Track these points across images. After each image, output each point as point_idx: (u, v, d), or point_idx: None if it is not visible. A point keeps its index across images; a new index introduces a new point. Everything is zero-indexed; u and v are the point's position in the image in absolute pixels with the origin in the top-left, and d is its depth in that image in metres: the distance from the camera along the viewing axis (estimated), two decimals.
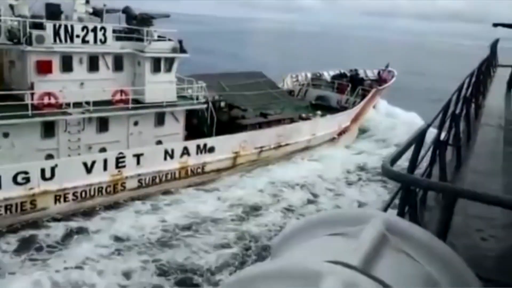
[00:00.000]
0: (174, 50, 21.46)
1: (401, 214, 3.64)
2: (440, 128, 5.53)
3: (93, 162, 18.71)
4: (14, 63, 19.63)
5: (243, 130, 24.76)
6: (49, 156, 18.77)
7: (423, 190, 4.96)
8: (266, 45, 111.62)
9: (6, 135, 17.51)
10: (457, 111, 6.70)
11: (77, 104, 18.88)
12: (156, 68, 21.18)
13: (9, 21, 18.82)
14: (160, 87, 21.20)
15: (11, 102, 17.36)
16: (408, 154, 4.54)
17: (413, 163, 3.99)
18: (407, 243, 1.16)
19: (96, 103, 19.11)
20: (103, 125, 20.04)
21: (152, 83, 21.04)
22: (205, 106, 22.97)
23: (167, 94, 21.60)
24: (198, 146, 21.96)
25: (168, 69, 21.63)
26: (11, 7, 19.26)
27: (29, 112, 17.37)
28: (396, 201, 3.70)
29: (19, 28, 18.28)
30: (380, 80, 37.01)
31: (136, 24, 21.72)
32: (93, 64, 19.99)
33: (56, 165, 17.76)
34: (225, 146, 23.00)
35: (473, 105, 9.08)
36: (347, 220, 1.23)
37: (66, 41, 18.99)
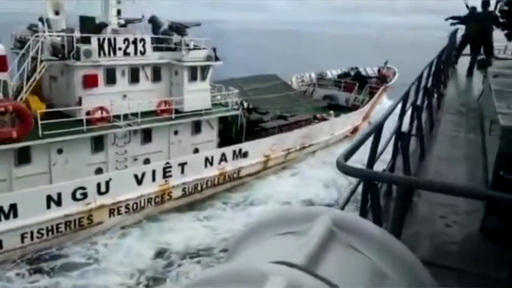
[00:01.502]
0: (208, 58, 21.72)
1: (363, 209, 3.66)
2: (400, 119, 5.47)
3: (143, 174, 18.84)
4: (56, 78, 19.45)
5: (266, 133, 25.29)
6: (99, 170, 18.81)
7: (387, 184, 5.01)
8: (246, 46, 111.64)
9: (60, 151, 17.46)
10: (418, 102, 6.68)
11: (124, 117, 18.93)
12: (193, 77, 21.40)
13: (49, 36, 18.62)
14: (197, 96, 21.44)
15: (64, 119, 17.29)
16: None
17: (372, 157, 3.88)
18: (356, 238, 1.14)
19: (140, 115, 19.22)
20: (147, 136, 20.17)
21: (190, 92, 21.26)
22: (238, 112, 23.34)
23: (204, 102, 21.87)
24: (234, 152, 22.33)
25: (204, 77, 21.88)
26: (48, 21, 19.12)
27: (84, 127, 17.35)
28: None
29: (63, 43, 18.18)
30: (381, 77, 38.10)
31: (169, 33, 21.89)
32: (134, 75, 20.05)
33: (110, 179, 17.81)
34: (257, 150, 23.46)
35: (435, 95, 9.24)
36: (296, 219, 1.21)
37: (109, 54, 19.00)
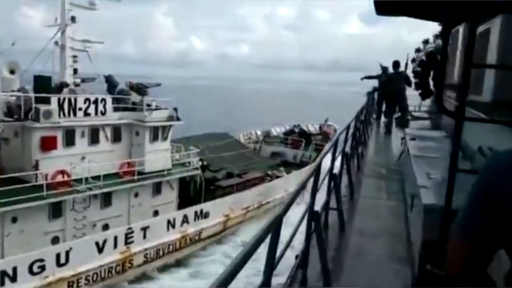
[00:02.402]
0: (170, 118, 21.40)
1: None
2: (313, 197, 4.55)
3: (105, 241, 17.59)
4: (8, 140, 17.99)
5: (223, 192, 24.98)
6: (55, 239, 17.32)
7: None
8: (176, 103, 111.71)
9: (14, 220, 15.90)
10: (335, 170, 6.22)
11: (84, 180, 17.81)
12: (154, 137, 20.88)
13: (2, 96, 17.42)
14: (158, 156, 20.85)
15: (19, 185, 15.88)
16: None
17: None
18: None
19: (100, 178, 18.20)
20: (107, 200, 19.05)
21: (151, 153, 20.63)
22: (199, 172, 22.92)
23: (165, 162, 21.28)
24: (195, 213, 21.68)
25: (165, 137, 21.42)
26: (2, 81, 17.98)
27: (44, 193, 16.03)
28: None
29: (19, 103, 17.05)
30: (323, 134, 39.60)
31: (126, 93, 21.37)
32: (94, 136, 19.15)
33: (70, 249, 16.41)
34: (217, 210, 22.98)
35: (355, 157, 8.82)
36: None
37: (69, 114, 18.08)
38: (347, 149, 7.54)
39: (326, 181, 5.68)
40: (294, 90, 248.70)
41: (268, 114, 74.91)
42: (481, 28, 5.03)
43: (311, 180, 4.47)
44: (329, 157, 5.59)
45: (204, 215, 22.13)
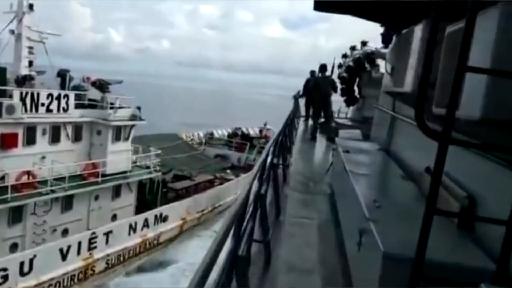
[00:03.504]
0: (133, 118, 20.56)
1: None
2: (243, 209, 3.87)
3: (69, 247, 16.49)
4: None
5: (176, 195, 24.53)
6: (14, 246, 15.91)
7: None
8: None
9: None
10: (263, 190, 5.09)
11: (45, 182, 16.55)
12: (117, 137, 19.92)
13: None
14: (120, 157, 19.94)
15: None
16: None
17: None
18: None
19: (63, 179, 17.04)
20: (68, 203, 17.84)
21: (113, 153, 19.67)
22: (160, 174, 22.27)
23: (126, 163, 20.41)
24: (155, 217, 21.05)
25: (127, 138, 20.53)
26: None
27: (8, 196, 14.66)
28: None
29: None
30: (265, 137, 40.27)
31: (82, 89, 20.16)
32: (55, 135, 17.84)
33: (35, 256, 15.15)
34: (175, 213, 22.51)
35: (280, 167, 8.05)
36: None
37: (31, 110, 16.68)
38: (274, 156, 6.71)
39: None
40: (216, 89, 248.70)
41: (189, 114, 74.02)
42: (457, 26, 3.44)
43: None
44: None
45: (163, 218, 21.55)
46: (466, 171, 3.38)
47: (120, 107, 20.02)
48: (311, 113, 14.77)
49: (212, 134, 38.75)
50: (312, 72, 15.18)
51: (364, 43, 18.14)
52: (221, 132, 40.05)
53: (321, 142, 12.83)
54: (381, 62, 16.64)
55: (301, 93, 14.84)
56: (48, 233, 17.09)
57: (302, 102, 16.00)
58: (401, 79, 5.94)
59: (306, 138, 13.32)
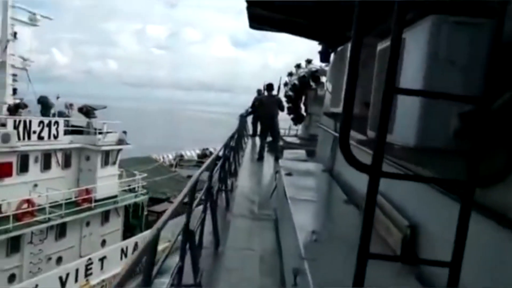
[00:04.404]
0: (120, 142, 20.68)
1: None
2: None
3: (67, 275, 16.35)
4: None
5: (157, 217, 24.59)
6: (12, 277, 15.57)
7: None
8: None
9: None
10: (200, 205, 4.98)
11: (42, 210, 16.39)
12: (105, 162, 19.96)
13: None
14: (108, 182, 19.96)
15: None
16: None
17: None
18: None
19: (58, 206, 16.93)
20: (62, 230, 17.65)
21: (102, 178, 19.67)
22: (146, 197, 22.38)
23: (114, 188, 20.44)
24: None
25: (114, 162, 20.60)
26: None
27: (10, 226, 14.45)
28: None
29: None
30: None
31: (65, 115, 20.10)
32: (46, 162, 17.70)
33: (36, 286, 14.93)
34: (162, 236, 22.56)
35: (223, 191, 7.51)
36: None
37: (24, 138, 16.54)
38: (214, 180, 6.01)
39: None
40: (166, 108, 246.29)
41: (142, 136, 72.99)
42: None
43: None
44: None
45: None
46: (408, 199, 3.07)
47: (108, 132, 20.11)
48: (258, 132, 14.25)
49: (182, 156, 38.97)
50: (259, 91, 15.06)
51: (309, 61, 17.88)
52: (189, 153, 40.33)
53: (268, 162, 12.15)
54: (325, 80, 16.26)
55: (248, 111, 14.39)
56: (44, 262, 16.82)
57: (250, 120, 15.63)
58: (338, 99, 5.66)
59: (253, 158, 12.67)
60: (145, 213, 24.31)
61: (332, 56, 7.33)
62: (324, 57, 7.98)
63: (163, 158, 37.38)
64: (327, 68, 11.56)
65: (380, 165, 1.54)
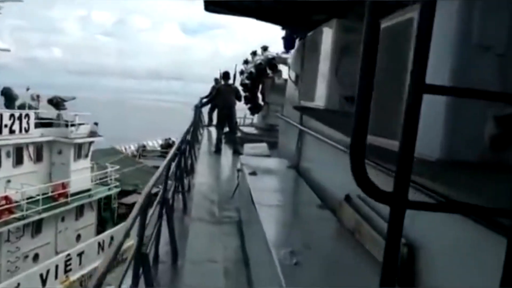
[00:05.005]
0: (92, 134, 20.15)
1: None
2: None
3: (48, 271, 15.93)
4: None
5: (128, 210, 24.35)
6: None
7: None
8: None
9: None
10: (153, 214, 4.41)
11: (18, 206, 15.81)
12: (78, 155, 19.41)
13: None
14: (81, 175, 19.47)
15: None
16: None
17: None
18: None
19: (35, 202, 16.37)
20: (38, 227, 17.09)
21: (76, 172, 19.14)
22: (118, 190, 21.99)
23: (87, 181, 19.96)
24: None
25: (87, 155, 20.08)
26: None
27: None
28: None
29: None
30: None
31: (31, 107, 19.31)
32: (19, 157, 17.00)
33: (18, 285, 14.47)
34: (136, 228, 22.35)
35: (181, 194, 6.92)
36: None
37: None
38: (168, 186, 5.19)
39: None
40: (118, 98, 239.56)
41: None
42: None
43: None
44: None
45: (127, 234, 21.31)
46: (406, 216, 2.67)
47: (80, 124, 19.52)
48: (214, 122, 13.63)
49: (144, 146, 38.30)
50: (216, 80, 14.62)
51: (265, 48, 17.19)
52: (152, 144, 39.72)
53: (226, 155, 11.60)
54: (283, 68, 15.12)
55: (203, 101, 13.96)
56: (21, 260, 16.27)
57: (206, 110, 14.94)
58: (310, 91, 5.03)
59: (210, 151, 12.02)
60: (115, 205, 23.94)
61: (297, 42, 6.82)
62: (288, 44, 7.43)
63: (125, 149, 36.57)
64: (285, 56, 11.72)
65: (406, 194, 1.15)
